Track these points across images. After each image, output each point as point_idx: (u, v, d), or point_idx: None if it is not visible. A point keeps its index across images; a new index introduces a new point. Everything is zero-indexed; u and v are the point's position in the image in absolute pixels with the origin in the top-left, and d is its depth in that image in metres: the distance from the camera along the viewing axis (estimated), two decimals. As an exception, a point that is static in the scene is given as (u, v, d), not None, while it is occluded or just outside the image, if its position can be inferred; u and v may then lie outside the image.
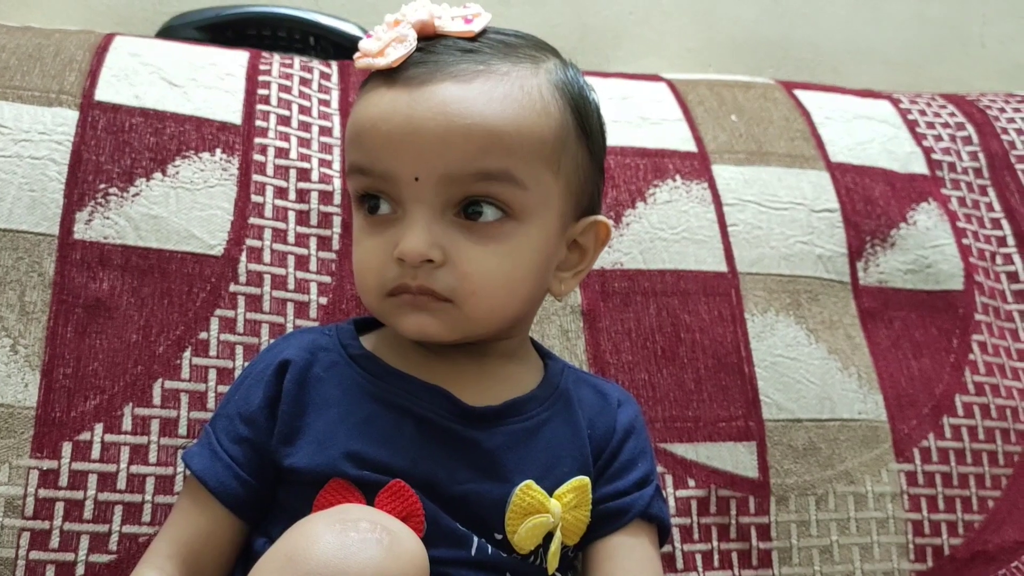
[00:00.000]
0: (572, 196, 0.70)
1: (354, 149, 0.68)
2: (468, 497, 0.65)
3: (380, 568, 0.52)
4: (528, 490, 0.66)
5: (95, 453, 0.75)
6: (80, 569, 0.73)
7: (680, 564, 0.84)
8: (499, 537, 0.66)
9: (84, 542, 0.73)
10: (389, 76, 0.66)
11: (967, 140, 1.14)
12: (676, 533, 0.84)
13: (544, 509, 0.66)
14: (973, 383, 0.98)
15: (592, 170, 0.73)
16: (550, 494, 0.67)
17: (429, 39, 0.67)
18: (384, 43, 0.66)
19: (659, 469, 0.85)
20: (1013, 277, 1.06)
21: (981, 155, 1.13)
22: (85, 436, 0.75)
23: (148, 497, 0.75)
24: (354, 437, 0.66)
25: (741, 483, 0.87)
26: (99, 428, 0.76)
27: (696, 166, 1.00)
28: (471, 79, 0.65)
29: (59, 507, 0.73)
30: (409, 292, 0.66)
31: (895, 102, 1.16)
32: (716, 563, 0.85)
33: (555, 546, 0.67)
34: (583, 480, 0.69)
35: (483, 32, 0.68)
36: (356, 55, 0.68)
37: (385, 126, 0.64)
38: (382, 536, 0.54)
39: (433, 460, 0.66)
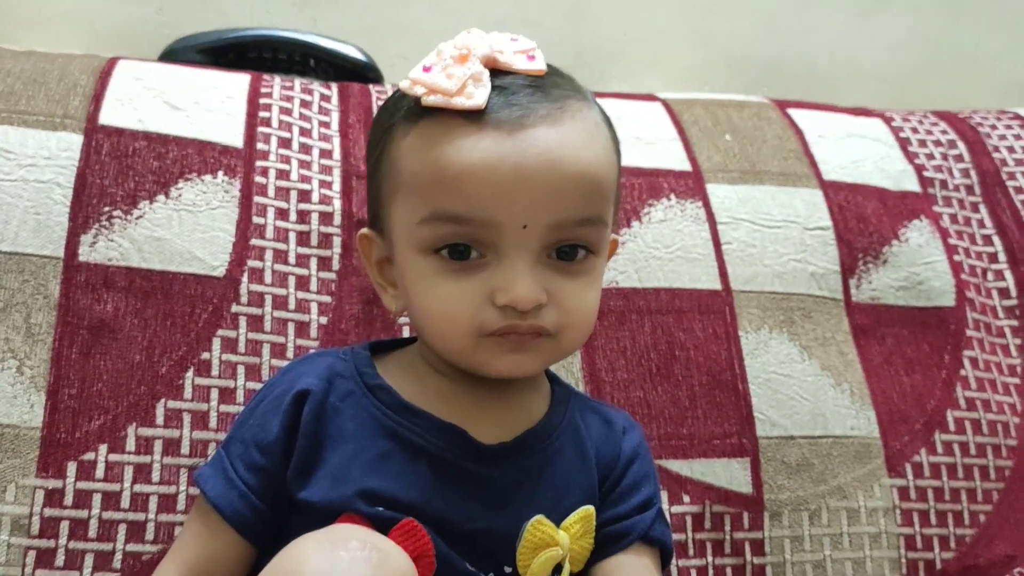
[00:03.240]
0: (614, 221, 0.72)
1: (446, 196, 0.64)
2: (480, 534, 0.66)
3: None
4: (539, 525, 0.67)
5: (99, 473, 0.76)
6: (85, 587, 0.74)
7: (675, 580, 0.85)
8: (509, 571, 0.67)
9: (89, 560, 0.74)
10: (472, 117, 0.63)
11: (959, 157, 1.15)
12: (671, 549, 0.85)
13: (554, 542, 0.67)
14: (964, 398, 0.99)
15: (620, 188, 0.75)
16: (558, 525, 0.68)
17: (496, 74, 0.65)
18: (460, 81, 0.64)
19: (654, 486, 0.86)
20: (1004, 293, 1.07)
21: (973, 172, 1.14)
22: (90, 456, 0.76)
23: (152, 516, 0.76)
24: (368, 474, 0.66)
25: (735, 499, 0.88)
26: (103, 448, 0.77)
27: (690, 185, 1.01)
28: (560, 121, 0.64)
29: (64, 526, 0.74)
30: (518, 332, 0.66)
31: (887, 120, 1.17)
32: (711, 578, 0.86)
33: None
34: (589, 510, 0.70)
35: None
36: (422, 92, 0.65)
37: (492, 174, 0.62)
38: (371, 554, 0.54)
39: (446, 498, 0.66)
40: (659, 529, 0.73)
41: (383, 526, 0.62)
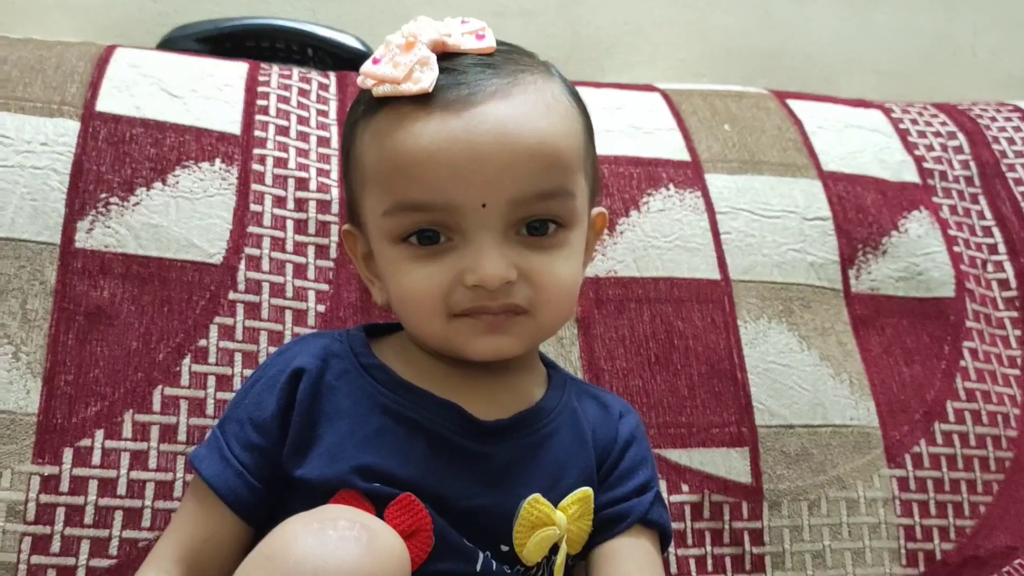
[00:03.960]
0: (591, 192, 0.72)
1: (404, 185, 0.65)
2: (477, 511, 0.66)
3: (359, 565, 0.52)
4: (536, 504, 0.67)
5: (96, 459, 0.76)
6: (81, 573, 0.73)
7: (674, 569, 0.84)
8: (506, 549, 0.67)
9: (85, 547, 0.74)
10: (422, 102, 0.64)
11: (958, 149, 1.15)
12: (670, 538, 0.85)
13: (551, 522, 0.67)
14: (964, 389, 0.99)
15: (596, 161, 0.74)
16: (555, 505, 0.68)
17: (445, 57, 0.66)
18: (407, 67, 0.64)
19: (654, 474, 0.86)
20: (1004, 284, 1.07)
21: (972, 164, 1.14)
22: (86, 442, 0.76)
23: (148, 502, 0.76)
24: (365, 450, 0.66)
25: (734, 488, 0.88)
26: (100, 434, 0.77)
27: (689, 175, 1.01)
28: (511, 95, 0.65)
29: (60, 512, 0.74)
30: (489, 312, 0.66)
31: (887, 112, 1.17)
32: (710, 567, 0.86)
33: (561, 558, 0.68)
34: (587, 491, 0.70)
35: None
36: (371, 83, 0.66)
37: (444, 156, 0.63)
38: (360, 534, 0.54)
39: (444, 475, 0.66)
40: (657, 512, 0.73)
41: (380, 502, 0.62)
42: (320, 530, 0.54)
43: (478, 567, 0.65)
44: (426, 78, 0.64)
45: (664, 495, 0.86)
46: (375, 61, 0.67)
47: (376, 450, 0.66)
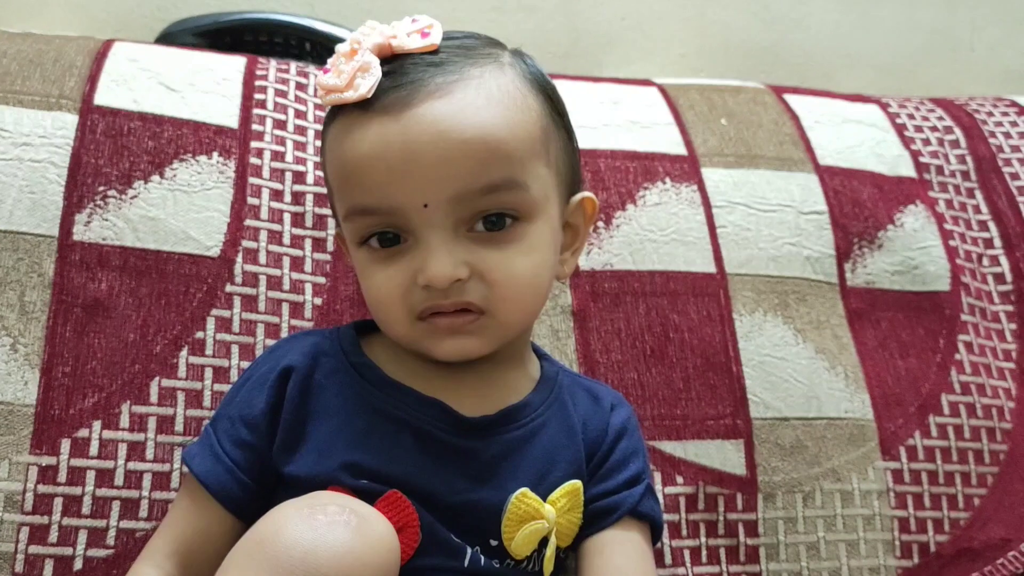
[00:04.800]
0: (562, 180, 0.72)
1: (351, 191, 0.67)
2: (465, 506, 0.67)
3: (349, 549, 0.53)
4: (524, 498, 0.67)
5: (93, 450, 0.76)
6: (78, 563, 0.74)
7: (668, 559, 0.85)
8: (495, 543, 0.67)
9: (82, 537, 0.75)
10: (364, 107, 0.65)
11: (955, 143, 1.15)
12: (665, 529, 0.85)
13: (539, 515, 0.68)
14: (959, 382, 0.99)
15: (571, 148, 0.74)
16: (544, 499, 0.68)
17: (390, 60, 0.66)
18: (349, 75, 0.65)
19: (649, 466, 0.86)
20: (1000, 279, 1.07)
21: (969, 158, 1.14)
22: (83, 433, 0.77)
23: (145, 493, 0.77)
24: (353, 447, 0.67)
25: (729, 480, 0.89)
26: (97, 425, 0.77)
27: (686, 169, 1.01)
28: (451, 91, 0.65)
29: (58, 503, 0.75)
30: (443, 312, 0.66)
31: (884, 106, 1.18)
32: (704, 559, 0.86)
33: (550, 551, 0.69)
34: (576, 484, 0.70)
35: (440, 42, 0.68)
36: (322, 94, 0.67)
37: (381, 160, 0.64)
38: (350, 518, 0.55)
39: (431, 471, 0.67)
40: (648, 504, 0.73)
41: (368, 498, 0.63)
42: (310, 515, 0.54)
43: (466, 562, 0.66)
44: (364, 84, 0.65)
45: (659, 487, 0.86)
46: (324, 71, 0.68)
47: (364, 448, 0.67)
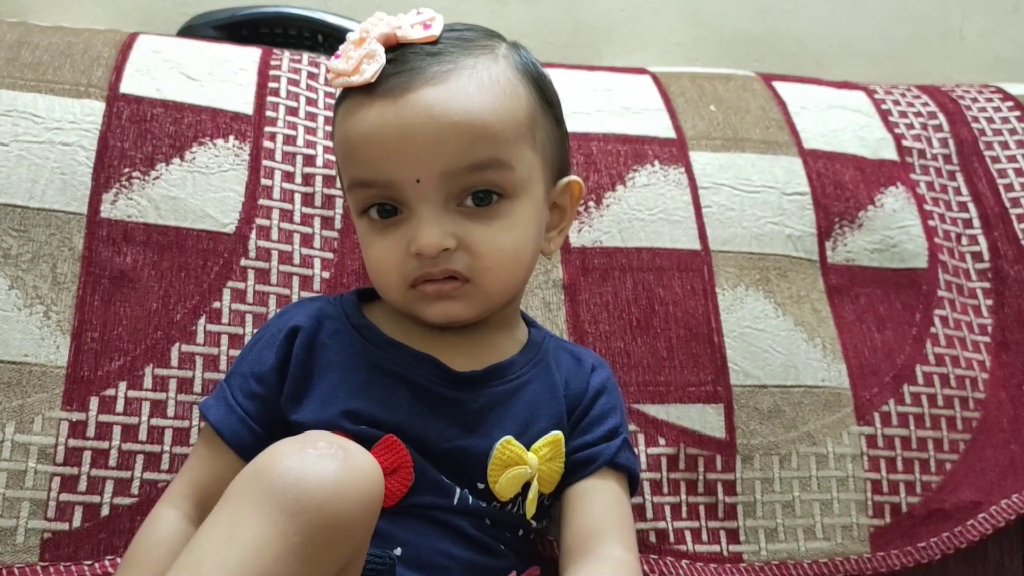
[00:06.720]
0: (548, 163, 0.78)
1: (353, 165, 0.74)
2: (454, 452, 0.73)
3: (335, 478, 0.58)
4: (508, 445, 0.74)
5: (119, 407, 0.83)
6: (105, 510, 0.81)
7: (650, 514, 0.90)
8: (481, 486, 0.74)
9: (109, 486, 0.81)
10: (368, 91, 0.72)
11: (938, 128, 1.18)
12: (647, 487, 0.91)
13: (522, 461, 0.74)
14: (934, 354, 1.03)
15: (559, 135, 0.80)
16: (528, 448, 0.75)
17: (395, 49, 0.73)
18: (356, 61, 0.72)
19: (632, 428, 0.92)
20: (977, 257, 1.11)
21: (951, 141, 1.18)
22: (110, 392, 0.83)
23: (167, 447, 0.83)
24: (353, 397, 0.74)
25: (709, 442, 0.94)
26: (123, 385, 0.84)
27: (674, 152, 1.06)
28: (445, 79, 0.71)
29: (87, 455, 0.81)
30: (433, 279, 0.73)
31: (870, 93, 1.21)
32: (684, 514, 0.92)
33: (532, 494, 0.75)
34: (557, 435, 0.77)
35: (441, 33, 0.75)
36: (331, 77, 0.74)
37: (379, 138, 0.71)
38: (337, 452, 0.59)
39: (423, 420, 0.74)
40: (625, 456, 0.79)
41: (366, 442, 0.68)
42: (302, 449, 0.60)
43: (455, 500, 0.72)
44: (369, 70, 0.72)
45: (641, 448, 0.92)
46: (336, 56, 0.75)
47: (363, 397, 0.73)
